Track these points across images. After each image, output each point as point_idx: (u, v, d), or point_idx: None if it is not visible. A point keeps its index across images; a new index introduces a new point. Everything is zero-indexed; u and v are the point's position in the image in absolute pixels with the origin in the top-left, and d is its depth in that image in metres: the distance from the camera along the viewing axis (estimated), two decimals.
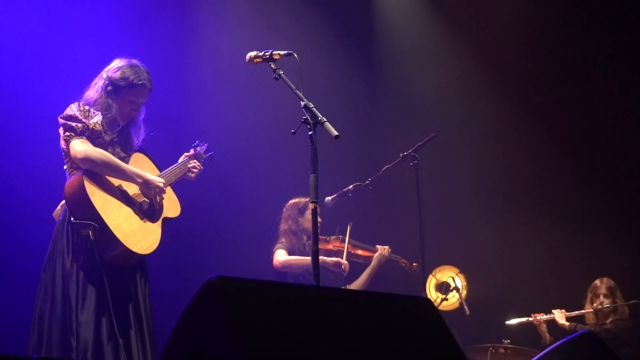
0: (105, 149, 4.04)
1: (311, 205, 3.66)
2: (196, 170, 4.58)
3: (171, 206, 4.30)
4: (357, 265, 6.03)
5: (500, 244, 7.32)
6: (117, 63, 4.19)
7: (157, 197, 4.16)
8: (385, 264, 6.08)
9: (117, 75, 4.12)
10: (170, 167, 4.43)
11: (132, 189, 4.09)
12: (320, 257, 5.50)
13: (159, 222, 4.17)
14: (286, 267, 5.66)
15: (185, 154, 4.64)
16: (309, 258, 5.45)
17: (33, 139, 5.28)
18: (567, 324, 6.16)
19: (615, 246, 6.89)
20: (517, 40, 7.41)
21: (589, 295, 6.25)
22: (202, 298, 2.17)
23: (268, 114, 6.70)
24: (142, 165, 4.22)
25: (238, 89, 6.61)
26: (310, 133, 3.62)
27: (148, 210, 4.13)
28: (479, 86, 7.57)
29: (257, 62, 3.93)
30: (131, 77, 4.12)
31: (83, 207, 3.85)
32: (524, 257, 7.22)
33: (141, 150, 4.33)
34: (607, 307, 6.08)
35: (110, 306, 3.84)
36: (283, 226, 5.89)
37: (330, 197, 5.82)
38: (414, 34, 7.84)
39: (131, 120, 4.25)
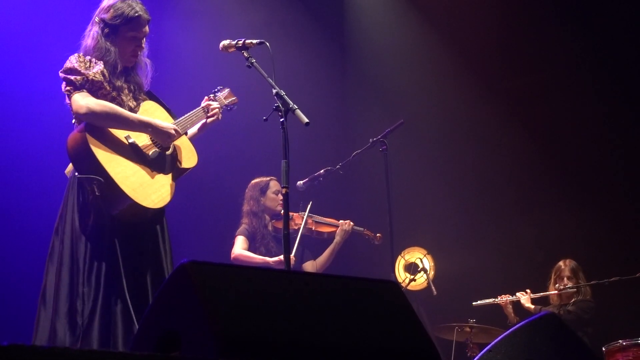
0: (112, 99, 3.81)
1: (283, 190, 3.74)
2: (215, 111, 4.24)
3: (187, 155, 4.06)
4: (323, 242, 6.01)
5: (467, 227, 7.45)
6: (106, 2, 3.92)
7: (170, 146, 3.93)
8: (350, 239, 6.02)
9: (110, 14, 3.87)
10: (186, 115, 4.14)
11: (142, 139, 3.86)
12: (266, 259, 5.55)
13: (172, 174, 3.94)
14: (236, 262, 5.53)
15: (206, 97, 4.35)
16: (260, 258, 5.53)
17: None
18: (532, 306, 6.23)
19: (579, 228, 7.03)
20: (485, 26, 7.49)
21: (553, 276, 6.35)
22: (175, 282, 2.20)
23: (240, 101, 6.71)
24: (152, 114, 3.97)
25: (211, 77, 6.61)
26: (281, 120, 3.71)
27: (159, 161, 3.90)
28: (447, 73, 7.63)
29: (230, 51, 4.02)
30: (126, 12, 3.86)
31: (87, 161, 3.68)
32: (490, 239, 7.34)
33: (150, 95, 4.09)
34: (570, 288, 6.19)
35: (121, 268, 3.67)
36: (245, 207, 5.85)
37: (301, 182, 5.86)
38: (384, 21, 7.86)
39: (137, 61, 4.00)
